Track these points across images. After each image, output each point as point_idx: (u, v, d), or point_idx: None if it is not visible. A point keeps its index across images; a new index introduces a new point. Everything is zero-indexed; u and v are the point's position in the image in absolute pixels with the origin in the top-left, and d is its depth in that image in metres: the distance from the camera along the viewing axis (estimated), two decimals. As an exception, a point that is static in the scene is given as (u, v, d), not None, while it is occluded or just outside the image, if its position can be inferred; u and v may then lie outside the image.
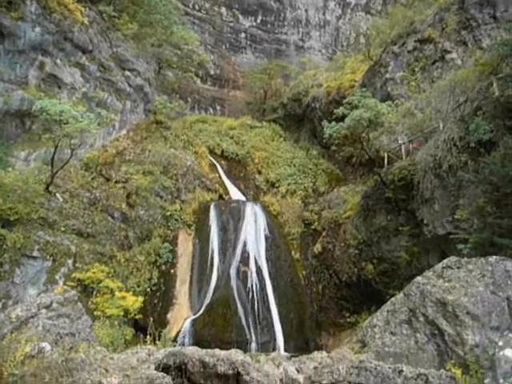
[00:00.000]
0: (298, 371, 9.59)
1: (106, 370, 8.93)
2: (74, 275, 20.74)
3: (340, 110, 24.96)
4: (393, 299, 12.00)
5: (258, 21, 55.37)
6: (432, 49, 29.78)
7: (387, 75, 31.64)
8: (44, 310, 11.29)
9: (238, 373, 8.93)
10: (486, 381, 8.55)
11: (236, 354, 9.52)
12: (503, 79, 19.72)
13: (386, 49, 33.76)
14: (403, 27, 33.30)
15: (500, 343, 8.95)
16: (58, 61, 27.17)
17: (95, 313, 18.85)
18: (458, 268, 11.74)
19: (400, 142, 25.55)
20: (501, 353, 8.57)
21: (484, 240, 15.58)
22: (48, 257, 20.46)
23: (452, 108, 21.59)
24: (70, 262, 21.06)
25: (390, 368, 8.32)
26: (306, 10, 57.13)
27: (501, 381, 8.25)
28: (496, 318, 10.62)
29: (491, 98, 19.49)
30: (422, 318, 10.93)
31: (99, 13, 31.71)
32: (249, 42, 54.99)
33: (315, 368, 9.49)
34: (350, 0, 58.11)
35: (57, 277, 20.41)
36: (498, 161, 15.86)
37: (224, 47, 53.98)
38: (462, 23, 28.13)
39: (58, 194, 23.39)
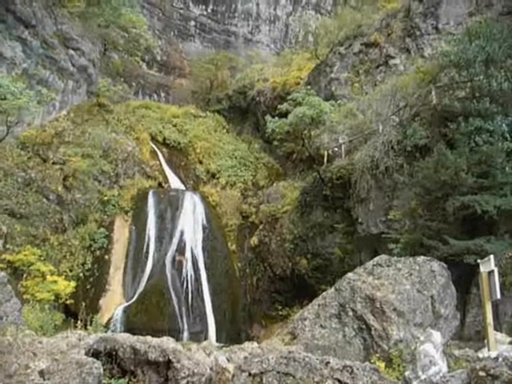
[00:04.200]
0: (228, 360, 9.75)
1: (34, 354, 8.79)
2: (3, 256, 20.03)
3: (284, 106, 25.31)
4: (324, 294, 12.35)
5: (209, 10, 54.98)
6: (377, 53, 30.59)
7: (332, 75, 32.24)
8: (-30, 291, 10.97)
9: (169, 360, 9.00)
10: (407, 373, 8.98)
11: (167, 342, 9.58)
12: (441, 88, 20.55)
13: (332, 49, 34.39)
14: (351, 29, 34.00)
15: (421, 338, 9.44)
16: (-2, 33, 26.11)
17: (25, 296, 18.30)
18: (388, 266, 12.23)
19: (340, 141, 26.14)
20: (421, 347, 9.03)
21: (414, 241, 16.28)
22: (-24, 236, 19.78)
23: (392, 112, 22.30)
24: (0, 242, 20.38)
25: (317, 359, 8.61)
26: (258, 4, 57.18)
27: (419, 373, 8.69)
28: (420, 315, 11.16)
29: (429, 105, 20.29)
30: (351, 313, 11.32)
31: (45, -14, 30.62)
32: (198, 31, 54.53)
33: (245, 358, 9.67)
34: (301, -3, 58.66)
35: (-15, 257, 19.74)
36: (431, 166, 16.56)
37: (172, 34, 53.31)
38: (407, 31, 29.05)
39: (-10, 172, 22.58)
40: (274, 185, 32.58)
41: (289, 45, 57.55)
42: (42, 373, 8.08)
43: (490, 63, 17.58)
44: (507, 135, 16.03)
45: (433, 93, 20.41)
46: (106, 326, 20.12)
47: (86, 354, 8.91)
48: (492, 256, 11.46)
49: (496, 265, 11.27)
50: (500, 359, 6.99)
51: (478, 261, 12.01)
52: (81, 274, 23.40)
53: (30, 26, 27.94)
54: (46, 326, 14.30)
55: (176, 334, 20.15)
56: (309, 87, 27.14)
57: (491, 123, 16.32)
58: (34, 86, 26.48)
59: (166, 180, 33.12)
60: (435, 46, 26.36)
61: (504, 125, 16.20)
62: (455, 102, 18.31)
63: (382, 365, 9.97)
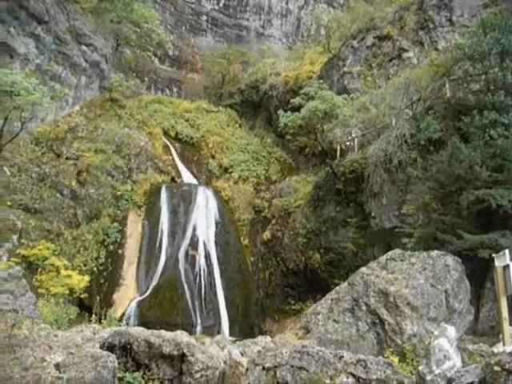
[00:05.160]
0: (241, 354, 9.80)
1: (50, 347, 8.89)
2: (18, 251, 20.19)
3: (296, 100, 25.22)
4: (337, 288, 12.37)
5: (221, 4, 54.85)
6: (390, 46, 30.37)
7: (345, 69, 32.07)
8: (-13, 285, 11.10)
9: (183, 354, 9.06)
10: (420, 367, 8.96)
11: (182, 336, 9.65)
12: (455, 81, 20.37)
13: (345, 42, 34.18)
14: (363, 22, 33.77)
15: (436, 333, 9.40)
16: (12, 29, 26.14)
17: (39, 290, 18.44)
18: (402, 260, 12.20)
19: (353, 135, 26.03)
20: (435, 342, 9.00)
21: (428, 235, 16.18)
22: (-8, 231, 19.95)
23: (405, 105, 22.17)
24: (15, 237, 20.51)
25: (331, 353, 8.63)
26: (269, -2, 57.02)
27: (433, 367, 8.66)
28: (434, 309, 11.13)
29: (443, 99, 20.13)
30: (364, 307, 11.32)
31: (57, -18, 30.71)
32: (210, 26, 54.42)
33: (259, 352, 9.72)
34: (314, -9, 58.35)
35: (0, 252, 19.89)
36: (445, 160, 16.45)
37: (184, 28, 53.25)
38: (420, 24, 28.81)
39: (5, 168, 22.76)
40: (287, 179, 32.53)
41: (301, 39, 57.26)
42: (57, 366, 8.18)
43: (506, 55, 17.40)
44: (522, 128, 15.88)
45: (447, 86, 20.24)
46: (120, 320, 20.24)
47: (101, 347, 9.01)
48: (507, 250, 11.38)
49: (511, 259, 11.19)
50: (516, 354, 6.96)
51: (493, 255, 11.94)
52: (94, 269, 23.53)
53: (43, 22, 28.06)
54: (60, 320, 14.43)
55: (189, 328, 20.22)
56: (321, 81, 27.05)
57: (506, 116, 16.17)
58: (47, 82, 26.61)
59: (179, 175, 33.18)
60: (449, 39, 26.14)
61: (519, 118, 16.04)
62: (469, 95, 18.17)
63: (396, 359, 9.96)
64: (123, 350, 9.14)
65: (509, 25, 17.90)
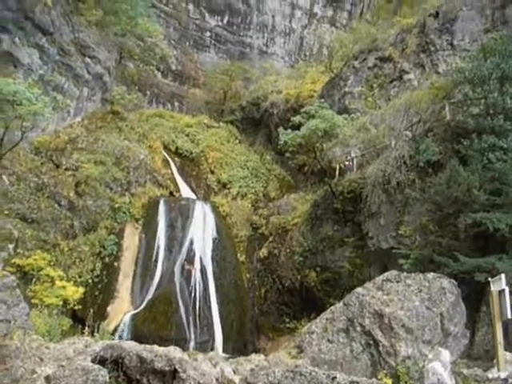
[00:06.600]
0: (234, 372, 9.71)
1: (41, 359, 8.81)
2: (14, 261, 20.10)
3: (297, 119, 25.32)
4: (332, 308, 12.28)
5: (225, 21, 55.29)
6: (391, 68, 30.60)
7: (346, 89, 32.28)
8: (-20, 294, 11.03)
9: (175, 370, 8.97)
10: (414, 391, 8.91)
11: (174, 351, 9.57)
12: (455, 104, 20.50)
13: (347, 63, 34.46)
14: (366, 43, 34.09)
15: (430, 356, 9.35)
16: (17, 39, 26.37)
17: (33, 301, 18.34)
18: (398, 282, 12.14)
19: (353, 155, 26.10)
20: (430, 365, 8.95)
21: (424, 257, 16.15)
22: (-12, 240, 19.89)
23: (405, 127, 22.26)
24: (11, 247, 20.44)
25: (324, 374, 8.55)
26: (273, 16, 57.43)
27: (427, 391, 8.61)
28: (429, 332, 11.05)
29: (442, 121, 20.24)
30: (358, 328, 11.24)
31: (63, -5, 30.99)
32: (213, 42, 54.83)
33: (252, 370, 9.63)
34: (317, 11, 58.75)
35: (-4, 261, 19.84)
36: (443, 182, 16.48)
37: (188, 44, 53.64)
38: (422, 46, 29.06)
39: (4, 176, 22.76)
40: (285, 197, 32.55)
41: (303, 57, 57.71)
42: (47, 378, 8.09)
43: (505, 80, 17.53)
44: (521, 153, 15.95)
45: (446, 109, 20.36)
46: (113, 333, 20.13)
47: (93, 361, 8.91)
48: (503, 275, 11.37)
49: (507, 284, 11.16)
50: (510, 380, 6.91)
51: (489, 279, 11.91)
52: (90, 281, 23.45)
53: (48, 34, 28.29)
54: (53, 332, 14.33)
55: (183, 344, 20.10)
56: (322, 100, 27.16)
57: (505, 141, 16.26)
58: (49, 93, 26.78)
59: (178, 189, 33.22)
60: (450, 62, 26.34)
61: (518, 143, 16.12)
62: (469, 119, 18.24)
63: (390, 381, 9.88)
64: (115, 364, 9.04)
65: (509, 50, 18.07)
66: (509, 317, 10.97)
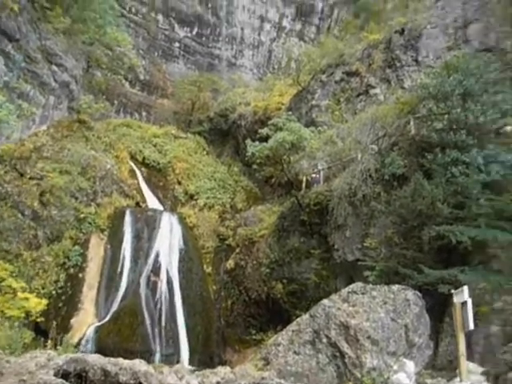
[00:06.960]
0: (200, 384, 9.65)
1: (1, 374, 8.60)
2: (-26, 271, 19.69)
3: (264, 131, 25.45)
4: (299, 319, 12.34)
5: (194, 32, 55.33)
6: (358, 82, 31.10)
7: (313, 102, 32.65)
8: None
9: (140, 383, 8.87)
10: (378, 402, 8.99)
11: (139, 365, 9.46)
12: (420, 119, 20.97)
13: (314, 76, 34.87)
14: (333, 58, 34.61)
15: (395, 367, 9.47)
16: (-20, 46, 25.92)
17: (-6, 313, 17.96)
18: (363, 294, 12.28)
19: (319, 167, 26.35)
20: (395, 376, 9.06)
21: (389, 269, 16.38)
22: None
23: (371, 141, 22.62)
24: (-29, 257, 19.99)
25: (290, 385, 8.57)
26: (242, 29, 57.78)
27: (392, 402, 8.70)
28: (394, 343, 11.21)
29: (407, 136, 20.66)
30: (325, 340, 11.31)
31: (31, 1, 30.52)
32: (182, 52, 54.79)
33: (218, 383, 9.60)
34: (286, 24, 59.34)
35: (-45, 272, 19.29)
36: (408, 195, 16.80)
37: (156, 54, 53.46)
38: (388, 62, 29.65)
39: (-35, 185, 22.22)
40: (252, 208, 32.58)
41: (271, 70, 58.12)
42: (9, 393, 7.90)
43: (467, 97, 18.05)
44: (482, 167, 16.37)
45: (411, 123, 20.78)
46: (77, 346, 19.74)
47: (55, 374, 8.74)
48: (466, 287, 11.61)
49: (469, 296, 11.40)
50: (472, 390, 7.06)
51: (452, 291, 12.14)
52: (53, 292, 22.96)
53: (14, 40, 27.74)
54: (14, 345, 14.00)
55: (148, 356, 19.84)
56: (290, 113, 27.36)
57: (467, 155, 16.69)
58: (14, 100, 26.24)
59: (144, 200, 32.91)
60: (415, 78, 26.91)
61: (479, 157, 16.54)
62: (433, 133, 18.69)
63: (355, 393, 9.97)
64: (78, 377, 8.88)
65: (470, 68, 18.66)
66: (471, 328, 11.19)
